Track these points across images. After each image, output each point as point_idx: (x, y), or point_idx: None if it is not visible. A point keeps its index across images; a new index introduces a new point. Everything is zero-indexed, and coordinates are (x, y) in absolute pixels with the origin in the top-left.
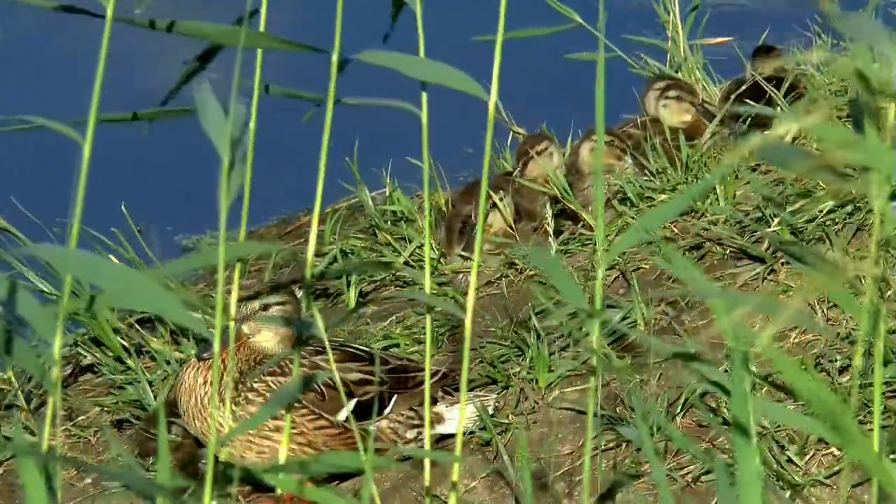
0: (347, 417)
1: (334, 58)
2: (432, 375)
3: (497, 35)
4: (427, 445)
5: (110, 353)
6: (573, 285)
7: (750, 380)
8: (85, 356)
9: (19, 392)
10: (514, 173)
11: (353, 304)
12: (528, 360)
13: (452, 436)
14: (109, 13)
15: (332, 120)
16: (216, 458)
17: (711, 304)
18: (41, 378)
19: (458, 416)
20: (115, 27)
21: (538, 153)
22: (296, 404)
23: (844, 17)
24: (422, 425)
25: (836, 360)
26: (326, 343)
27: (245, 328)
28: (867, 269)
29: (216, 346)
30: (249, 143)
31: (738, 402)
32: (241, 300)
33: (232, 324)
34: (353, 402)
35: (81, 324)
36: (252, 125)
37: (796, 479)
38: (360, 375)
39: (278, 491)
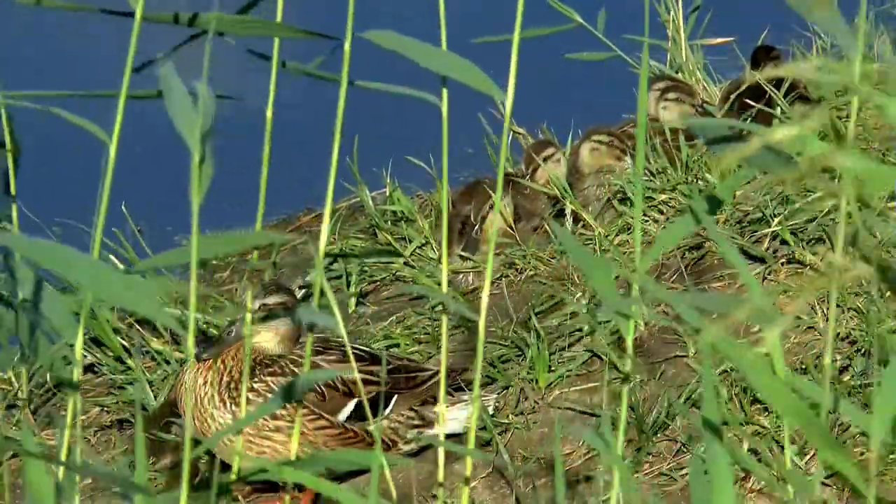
0: (349, 417)
1: (346, 45)
2: (433, 375)
3: (514, 35)
4: (441, 441)
5: (110, 353)
6: (608, 278)
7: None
8: (85, 356)
9: (20, 392)
10: (525, 179)
11: (353, 304)
12: (528, 360)
13: (453, 436)
14: (139, 14)
15: (345, 103)
16: (212, 457)
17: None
18: (61, 376)
19: (459, 416)
20: (107, 25)
21: (545, 160)
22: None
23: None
24: (422, 425)
25: (837, 360)
26: (346, 339)
27: (244, 328)
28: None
29: (190, 343)
30: (267, 131)
31: (708, 403)
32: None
33: (248, 316)
34: (354, 402)
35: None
36: (269, 114)
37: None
38: (361, 375)
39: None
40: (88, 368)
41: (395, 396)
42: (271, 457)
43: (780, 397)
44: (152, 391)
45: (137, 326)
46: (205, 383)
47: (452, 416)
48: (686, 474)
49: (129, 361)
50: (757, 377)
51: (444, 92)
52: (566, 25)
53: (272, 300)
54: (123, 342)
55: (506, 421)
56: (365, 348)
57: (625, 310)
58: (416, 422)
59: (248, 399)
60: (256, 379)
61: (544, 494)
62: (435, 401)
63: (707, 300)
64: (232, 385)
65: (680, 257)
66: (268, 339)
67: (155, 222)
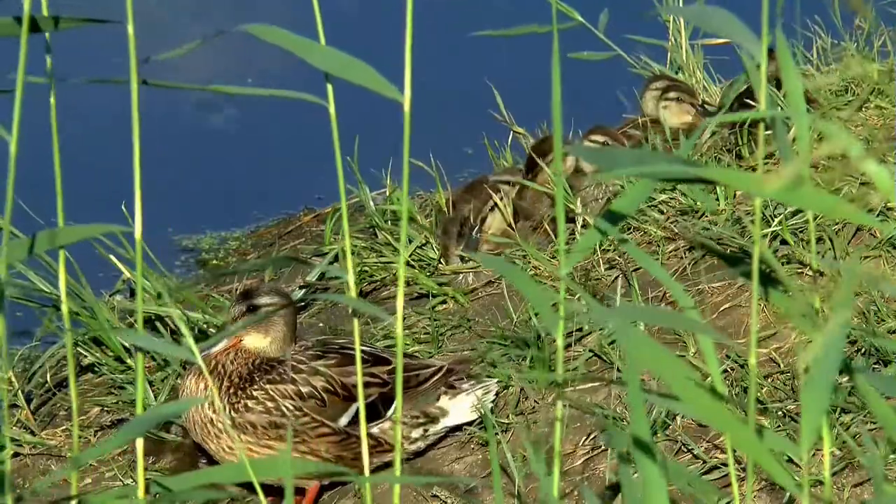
0: (351, 422)
1: (130, 28)
2: (435, 372)
3: (406, 32)
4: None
5: (110, 353)
6: (535, 289)
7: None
8: (85, 356)
9: (19, 392)
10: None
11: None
12: (528, 360)
13: (456, 428)
14: None
15: (137, 101)
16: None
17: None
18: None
19: (462, 407)
20: None
21: (549, 163)
22: (297, 412)
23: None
24: (427, 422)
25: None
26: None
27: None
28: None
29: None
30: (14, 131)
31: (636, 417)
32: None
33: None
34: (355, 406)
35: (82, 324)
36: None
37: (796, 479)
38: (362, 378)
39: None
40: (88, 368)
41: None
42: None
43: (705, 407)
44: (152, 391)
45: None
46: (206, 388)
47: (456, 407)
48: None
49: (129, 361)
50: (679, 387)
51: (329, 88)
52: (567, 24)
53: (261, 301)
54: (123, 342)
55: (506, 421)
56: (365, 348)
57: (552, 327)
58: (420, 420)
59: (248, 406)
60: (256, 386)
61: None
62: (438, 397)
63: (640, 312)
64: (232, 390)
65: (680, 257)
66: (256, 339)
67: (155, 222)
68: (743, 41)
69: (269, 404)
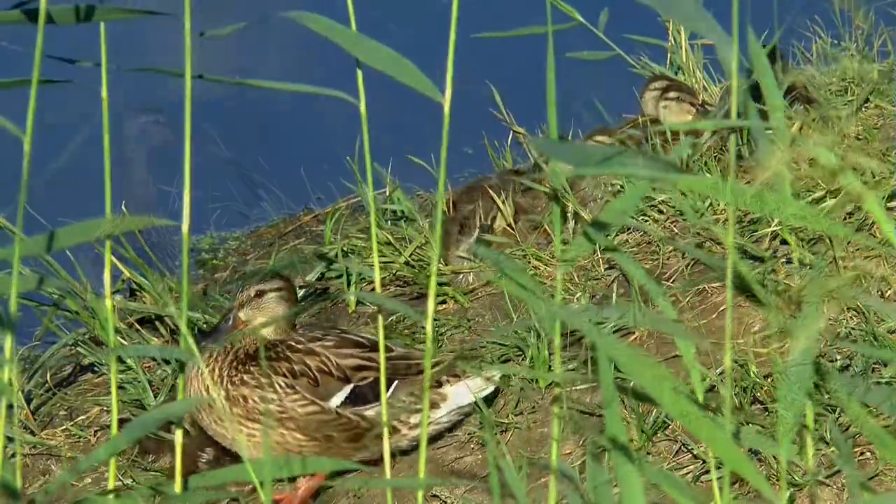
0: (343, 403)
1: (186, 23)
2: (435, 365)
3: (451, 30)
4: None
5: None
6: (530, 290)
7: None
8: (85, 356)
9: (19, 392)
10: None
11: (353, 304)
12: (528, 360)
13: (457, 426)
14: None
15: (190, 92)
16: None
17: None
18: None
19: (462, 391)
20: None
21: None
22: (288, 389)
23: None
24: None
25: (837, 360)
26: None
27: (241, 315)
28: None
29: None
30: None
31: (612, 421)
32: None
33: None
34: (349, 387)
35: (82, 323)
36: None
37: (797, 479)
38: (358, 361)
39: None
40: (88, 368)
41: (396, 382)
42: (261, 440)
43: (684, 413)
44: (152, 391)
45: (137, 326)
46: (210, 356)
47: (455, 392)
48: (686, 474)
49: (129, 361)
50: (658, 393)
51: (360, 75)
52: (567, 24)
53: (268, 286)
54: (124, 342)
55: (506, 421)
56: (367, 335)
57: (550, 321)
58: (419, 406)
59: (243, 380)
60: (255, 362)
61: (543, 495)
62: (439, 384)
63: (620, 314)
64: (234, 363)
65: (680, 257)
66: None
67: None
68: (715, 39)
69: (263, 380)
